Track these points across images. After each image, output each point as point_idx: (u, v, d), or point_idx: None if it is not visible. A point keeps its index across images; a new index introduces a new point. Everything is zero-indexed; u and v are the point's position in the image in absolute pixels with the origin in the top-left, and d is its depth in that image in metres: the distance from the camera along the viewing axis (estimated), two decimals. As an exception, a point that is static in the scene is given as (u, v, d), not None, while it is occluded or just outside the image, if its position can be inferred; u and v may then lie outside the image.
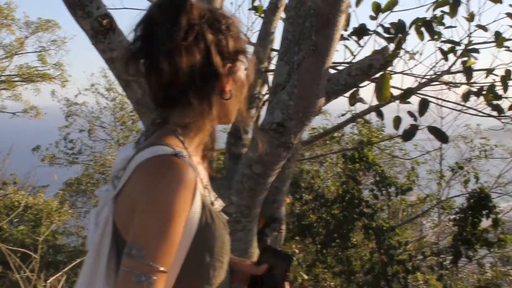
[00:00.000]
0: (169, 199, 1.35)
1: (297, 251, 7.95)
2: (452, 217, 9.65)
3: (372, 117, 4.02)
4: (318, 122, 12.47)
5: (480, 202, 8.97)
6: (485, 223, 9.15)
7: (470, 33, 3.80)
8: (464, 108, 3.92)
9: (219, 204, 1.60)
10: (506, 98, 3.64)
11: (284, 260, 1.71)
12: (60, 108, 17.62)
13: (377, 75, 3.00)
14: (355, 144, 9.41)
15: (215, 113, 1.53)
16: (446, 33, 3.66)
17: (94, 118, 17.81)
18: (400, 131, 3.47)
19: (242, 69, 1.59)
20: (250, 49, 1.63)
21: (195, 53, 1.45)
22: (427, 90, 3.95)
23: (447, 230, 11.78)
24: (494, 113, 3.64)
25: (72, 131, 16.97)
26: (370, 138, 9.04)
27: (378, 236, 8.33)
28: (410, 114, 3.42)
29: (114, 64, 2.86)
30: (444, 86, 4.30)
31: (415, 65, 4.13)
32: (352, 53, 3.81)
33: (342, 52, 3.84)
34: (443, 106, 3.97)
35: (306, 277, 7.59)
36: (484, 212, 8.95)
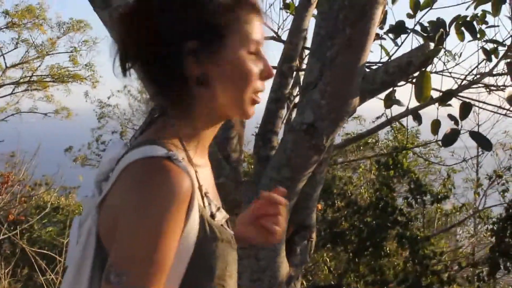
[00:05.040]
0: (158, 216, 1.11)
1: (328, 259, 7.77)
2: (489, 227, 9.39)
3: (409, 121, 3.83)
4: (352, 128, 12.25)
5: (520, 212, 8.66)
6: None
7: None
8: (509, 112, 3.70)
9: (222, 216, 1.31)
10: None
11: None
12: (93, 110, 17.77)
13: (416, 74, 2.80)
14: (390, 150, 9.19)
15: (205, 102, 1.27)
16: (488, 33, 3.45)
17: (126, 120, 17.89)
18: (440, 136, 3.28)
19: (234, 48, 1.25)
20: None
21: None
22: (466, 93, 3.76)
23: (484, 241, 11.47)
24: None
25: (104, 133, 17.09)
26: (405, 144, 8.79)
27: (412, 245, 8.11)
28: (451, 117, 3.20)
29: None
30: (482, 90, 4.10)
31: (453, 66, 3.96)
32: (387, 53, 3.62)
33: (377, 52, 3.68)
34: (485, 109, 3.74)
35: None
36: (524, 223, 8.64)
